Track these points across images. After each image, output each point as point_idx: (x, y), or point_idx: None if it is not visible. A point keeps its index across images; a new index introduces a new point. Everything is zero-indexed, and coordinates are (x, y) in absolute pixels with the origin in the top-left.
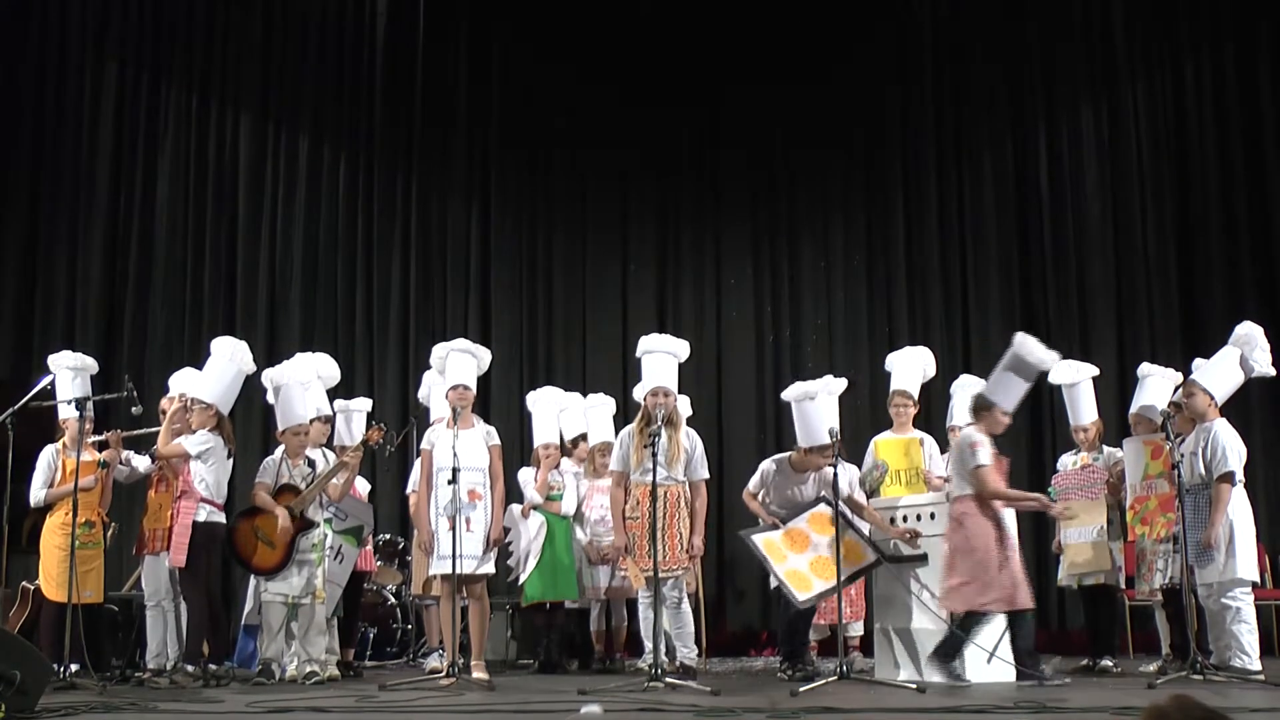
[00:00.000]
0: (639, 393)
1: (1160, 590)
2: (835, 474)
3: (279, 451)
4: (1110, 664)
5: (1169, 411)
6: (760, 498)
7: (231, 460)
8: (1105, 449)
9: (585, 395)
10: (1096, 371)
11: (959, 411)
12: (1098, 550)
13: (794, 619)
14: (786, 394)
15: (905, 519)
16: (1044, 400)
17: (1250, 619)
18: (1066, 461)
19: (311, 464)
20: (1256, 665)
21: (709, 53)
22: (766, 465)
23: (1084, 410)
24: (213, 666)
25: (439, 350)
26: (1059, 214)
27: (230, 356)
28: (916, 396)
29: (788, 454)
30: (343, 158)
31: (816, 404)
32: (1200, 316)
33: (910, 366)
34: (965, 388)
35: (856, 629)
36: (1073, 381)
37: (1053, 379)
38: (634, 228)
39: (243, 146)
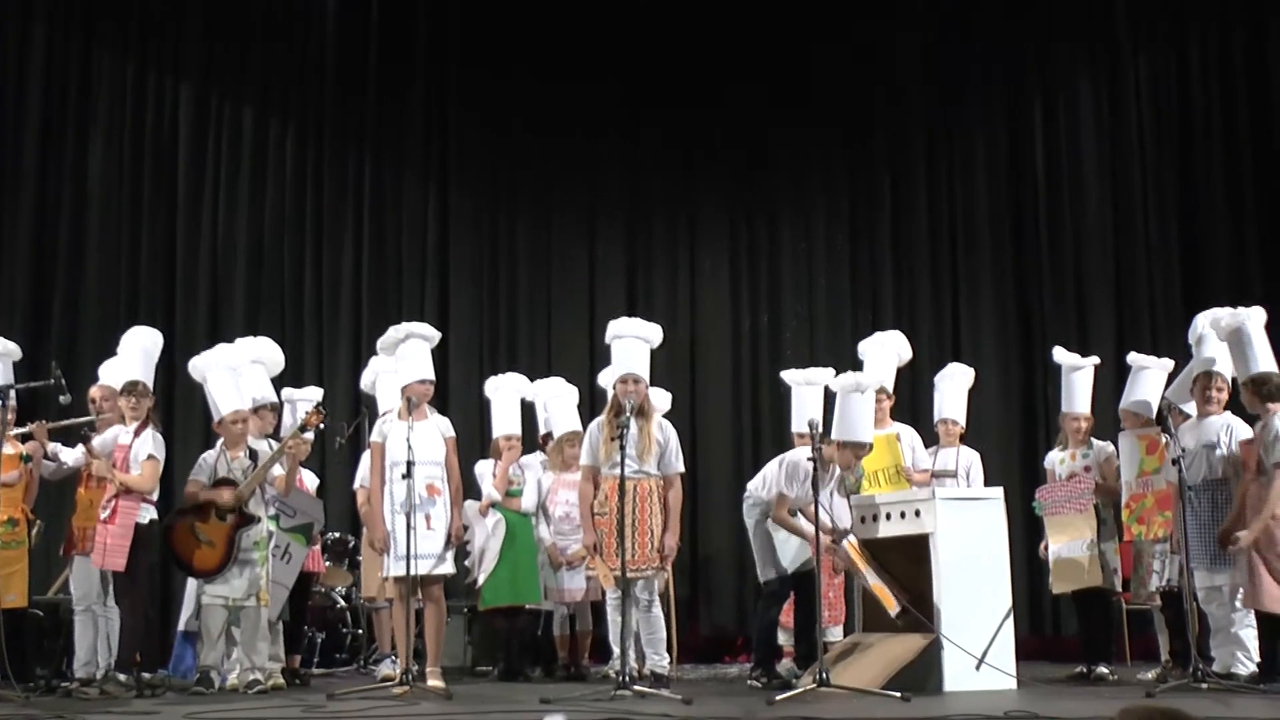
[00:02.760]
0: (607, 380)
1: (1158, 593)
2: (816, 466)
3: (218, 445)
4: (1106, 671)
5: (1168, 403)
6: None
7: None
8: (1095, 443)
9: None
10: (1099, 360)
11: (947, 403)
12: (1088, 564)
13: (769, 624)
14: (835, 384)
15: (889, 517)
16: (1037, 397)
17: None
18: (1054, 460)
19: (254, 456)
20: None
21: (684, 26)
22: (800, 465)
23: (1080, 398)
24: (146, 675)
25: (394, 334)
26: (1055, 196)
27: (137, 337)
28: (892, 389)
29: (806, 449)
30: (290, 130)
31: (865, 398)
32: (1204, 304)
33: (883, 355)
34: (953, 377)
35: (836, 634)
36: (1076, 366)
37: (1056, 359)
38: (602, 207)
39: (183, 118)
